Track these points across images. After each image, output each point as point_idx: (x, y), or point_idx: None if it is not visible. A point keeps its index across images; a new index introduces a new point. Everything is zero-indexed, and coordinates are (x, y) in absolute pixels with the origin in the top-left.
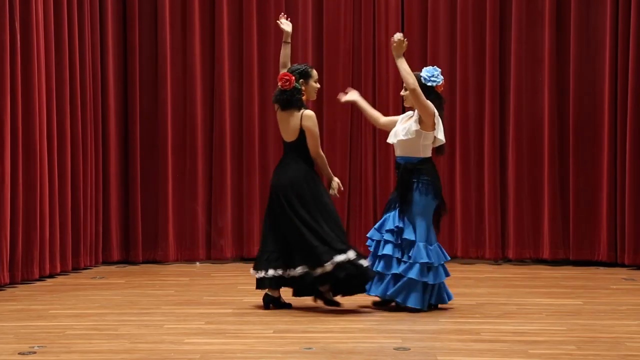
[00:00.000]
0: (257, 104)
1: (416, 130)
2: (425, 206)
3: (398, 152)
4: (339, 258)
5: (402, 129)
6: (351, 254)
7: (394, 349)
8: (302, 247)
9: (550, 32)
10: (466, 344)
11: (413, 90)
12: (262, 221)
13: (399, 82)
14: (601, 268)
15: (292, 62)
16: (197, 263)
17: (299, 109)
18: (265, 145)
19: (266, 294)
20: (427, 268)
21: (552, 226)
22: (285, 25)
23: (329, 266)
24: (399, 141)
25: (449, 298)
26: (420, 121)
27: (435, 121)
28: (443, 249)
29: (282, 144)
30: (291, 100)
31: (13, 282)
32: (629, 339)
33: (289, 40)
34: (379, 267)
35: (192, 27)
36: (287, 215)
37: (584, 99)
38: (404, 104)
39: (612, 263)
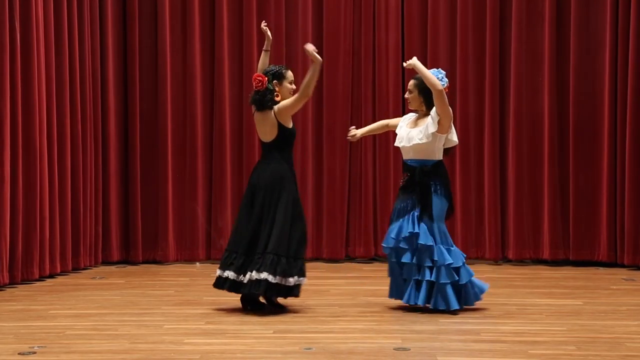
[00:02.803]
0: None
1: (433, 133)
2: (442, 208)
3: (411, 155)
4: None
5: (417, 132)
6: (303, 280)
7: (394, 349)
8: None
9: (550, 32)
10: (466, 344)
11: (440, 92)
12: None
13: (399, 82)
14: (601, 268)
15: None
16: (197, 263)
17: (272, 109)
18: None
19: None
20: (453, 270)
21: (552, 226)
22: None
23: (290, 281)
24: (414, 145)
25: (482, 291)
26: (438, 123)
27: (451, 124)
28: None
29: (261, 145)
30: (263, 101)
31: (13, 282)
32: (629, 339)
33: (269, 49)
34: (403, 274)
35: (192, 27)
36: (265, 214)
37: (584, 99)
38: (409, 106)
39: (612, 263)
